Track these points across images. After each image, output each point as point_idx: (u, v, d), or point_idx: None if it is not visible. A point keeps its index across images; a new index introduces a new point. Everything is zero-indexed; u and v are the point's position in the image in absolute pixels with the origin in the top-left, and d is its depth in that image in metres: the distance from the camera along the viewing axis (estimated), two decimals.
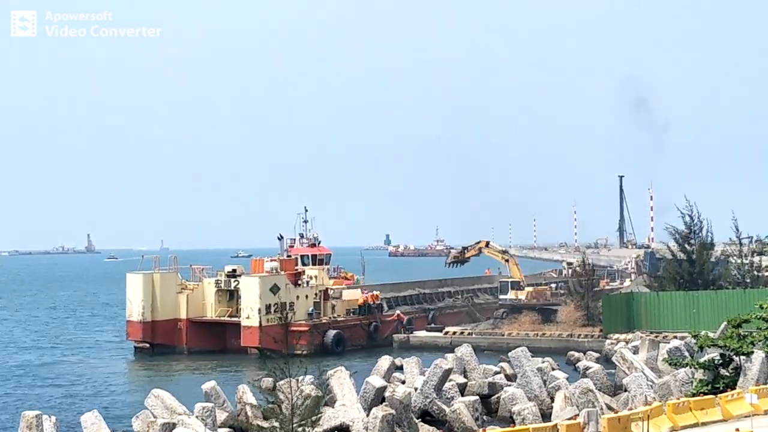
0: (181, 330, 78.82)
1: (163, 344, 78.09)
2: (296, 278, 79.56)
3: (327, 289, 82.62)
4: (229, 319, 78.50)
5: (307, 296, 79.08)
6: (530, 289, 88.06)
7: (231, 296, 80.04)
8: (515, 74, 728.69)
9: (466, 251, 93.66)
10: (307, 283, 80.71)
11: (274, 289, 75.23)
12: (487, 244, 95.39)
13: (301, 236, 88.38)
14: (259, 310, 73.90)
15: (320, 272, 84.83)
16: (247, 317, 74.62)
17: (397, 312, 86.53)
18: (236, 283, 78.74)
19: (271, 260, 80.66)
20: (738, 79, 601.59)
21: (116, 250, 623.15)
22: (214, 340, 78.74)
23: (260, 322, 73.60)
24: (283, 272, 78.22)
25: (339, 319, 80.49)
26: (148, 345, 78.17)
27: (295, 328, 75.20)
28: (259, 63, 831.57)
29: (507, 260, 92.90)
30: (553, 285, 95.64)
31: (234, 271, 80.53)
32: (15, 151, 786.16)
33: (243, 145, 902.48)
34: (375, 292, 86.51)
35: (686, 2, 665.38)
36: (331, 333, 76.81)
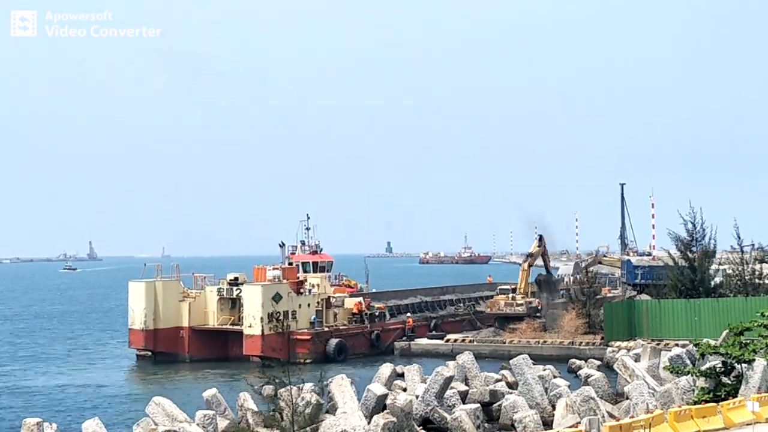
0: (183, 338, 78.36)
1: (165, 352, 77.80)
2: (298, 286, 79.27)
3: (329, 297, 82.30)
4: (231, 327, 78.16)
5: (309, 305, 78.73)
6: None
7: (233, 304, 79.70)
8: (515, 78, 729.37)
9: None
10: (309, 291, 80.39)
11: (276, 298, 74.97)
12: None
13: (303, 243, 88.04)
14: (261, 318, 73.59)
15: (322, 280, 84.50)
16: (249, 326, 74.28)
17: (408, 316, 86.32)
18: (238, 291, 78.46)
19: (274, 268, 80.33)
20: (738, 80, 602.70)
21: (117, 258, 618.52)
22: (216, 349, 78.35)
23: (262, 330, 73.28)
24: (285, 280, 77.94)
25: (341, 327, 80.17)
26: (149, 353, 77.91)
27: (297, 337, 75.17)
28: (260, 64, 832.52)
29: None
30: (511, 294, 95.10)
31: (236, 279, 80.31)
32: (15, 154, 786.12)
33: (244, 149, 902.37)
34: (379, 302, 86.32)
35: None
36: (333, 341, 76.52)
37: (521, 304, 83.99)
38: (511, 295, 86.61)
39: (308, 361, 73.13)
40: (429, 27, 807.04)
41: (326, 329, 78.36)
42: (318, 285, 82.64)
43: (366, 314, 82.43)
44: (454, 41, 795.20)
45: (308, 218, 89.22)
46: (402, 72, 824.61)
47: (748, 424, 35.53)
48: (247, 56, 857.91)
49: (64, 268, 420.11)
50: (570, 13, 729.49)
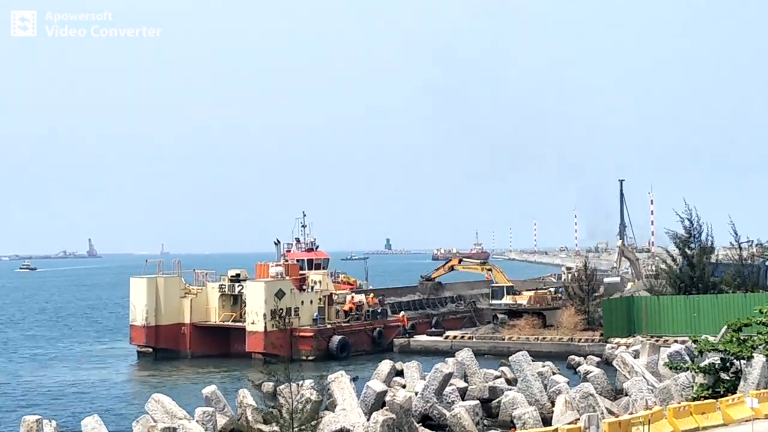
0: (184, 335, 77.67)
1: (166, 349, 77.11)
2: (301, 283, 78.57)
3: (331, 294, 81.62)
4: (233, 323, 77.52)
5: (311, 301, 77.99)
6: (531, 293, 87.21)
7: (235, 301, 79.05)
8: (515, 76, 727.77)
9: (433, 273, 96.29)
10: (312, 288, 79.74)
11: (280, 294, 74.29)
12: (460, 261, 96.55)
13: (298, 241, 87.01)
14: (264, 315, 72.81)
15: (324, 277, 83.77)
16: (252, 322, 73.50)
17: (402, 314, 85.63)
18: (240, 287, 77.84)
19: (276, 265, 79.58)
20: (737, 78, 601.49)
21: (117, 255, 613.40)
22: (218, 345, 77.74)
23: (265, 327, 72.45)
24: (287, 277, 77.30)
25: (343, 324, 79.50)
26: (151, 350, 77.16)
27: (300, 334, 74.51)
28: (259, 64, 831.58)
29: (490, 269, 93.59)
30: (552, 289, 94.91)
31: (237, 275, 79.66)
32: (15, 152, 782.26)
33: (243, 147, 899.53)
34: (373, 296, 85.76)
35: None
36: (336, 338, 75.83)
37: (561, 298, 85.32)
38: (553, 289, 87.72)
39: (311, 357, 72.50)
40: (430, 24, 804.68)
41: (329, 326, 77.60)
42: (320, 282, 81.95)
43: (368, 311, 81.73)
44: (457, 39, 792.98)
45: (304, 216, 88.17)
46: (401, 72, 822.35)
47: (746, 421, 35.20)
48: (246, 55, 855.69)
49: (21, 267, 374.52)
50: (570, 12, 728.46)
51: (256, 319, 73.29)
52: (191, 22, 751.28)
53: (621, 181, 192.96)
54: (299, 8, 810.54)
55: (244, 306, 76.46)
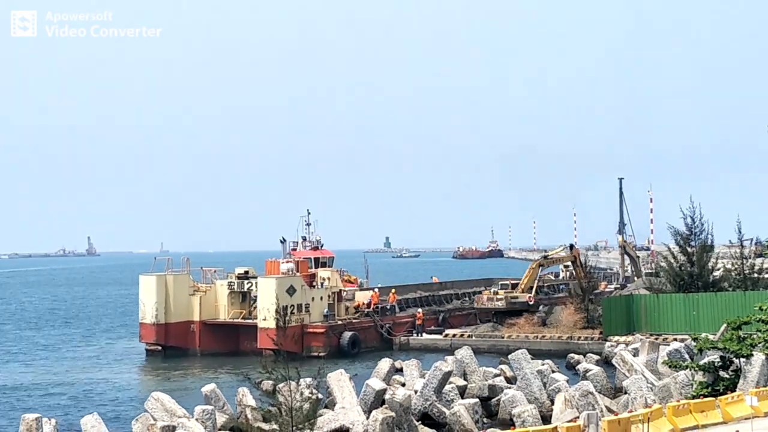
0: (194, 332, 76.37)
1: (175, 347, 75.81)
2: (311, 280, 77.27)
3: (340, 290, 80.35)
4: (243, 321, 76.26)
5: (322, 298, 76.62)
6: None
7: (243, 298, 77.85)
8: (514, 74, 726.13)
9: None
10: (322, 284, 78.46)
11: (291, 291, 72.93)
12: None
13: (304, 239, 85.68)
14: (276, 311, 71.43)
15: (333, 274, 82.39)
16: (264, 319, 71.98)
17: (419, 311, 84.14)
18: (249, 284, 76.61)
19: (287, 261, 78.27)
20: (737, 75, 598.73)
21: (116, 253, 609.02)
22: (228, 343, 76.46)
23: (277, 323, 71.01)
24: (298, 274, 75.91)
25: (353, 320, 78.14)
26: (160, 348, 75.79)
27: (311, 330, 73.23)
28: (260, 63, 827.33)
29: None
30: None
31: (246, 273, 78.44)
32: (15, 153, 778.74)
33: (243, 146, 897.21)
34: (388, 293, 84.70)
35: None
36: (347, 334, 74.43)
37: (501, 299, 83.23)
38: (493, 290, 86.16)
39: (322, 354, 71.17)
40: (429, 22, 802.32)
41: (339, 322, 76.26)
42: (329, 278, 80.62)
43: (378, 307, 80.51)
44: (456, 37, 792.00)
45: (309, 214, 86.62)
46: (400, 71, 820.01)
47: (746, 419, 34.12)
48: (247, 55, 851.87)
49: None
50: (570, 10, 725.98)
51: (267, 315, 71.81)
52: (191, 22, 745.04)
53: (620, 179, 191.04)
54: (299, 7, 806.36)
55: (253, 303, 75.16)
